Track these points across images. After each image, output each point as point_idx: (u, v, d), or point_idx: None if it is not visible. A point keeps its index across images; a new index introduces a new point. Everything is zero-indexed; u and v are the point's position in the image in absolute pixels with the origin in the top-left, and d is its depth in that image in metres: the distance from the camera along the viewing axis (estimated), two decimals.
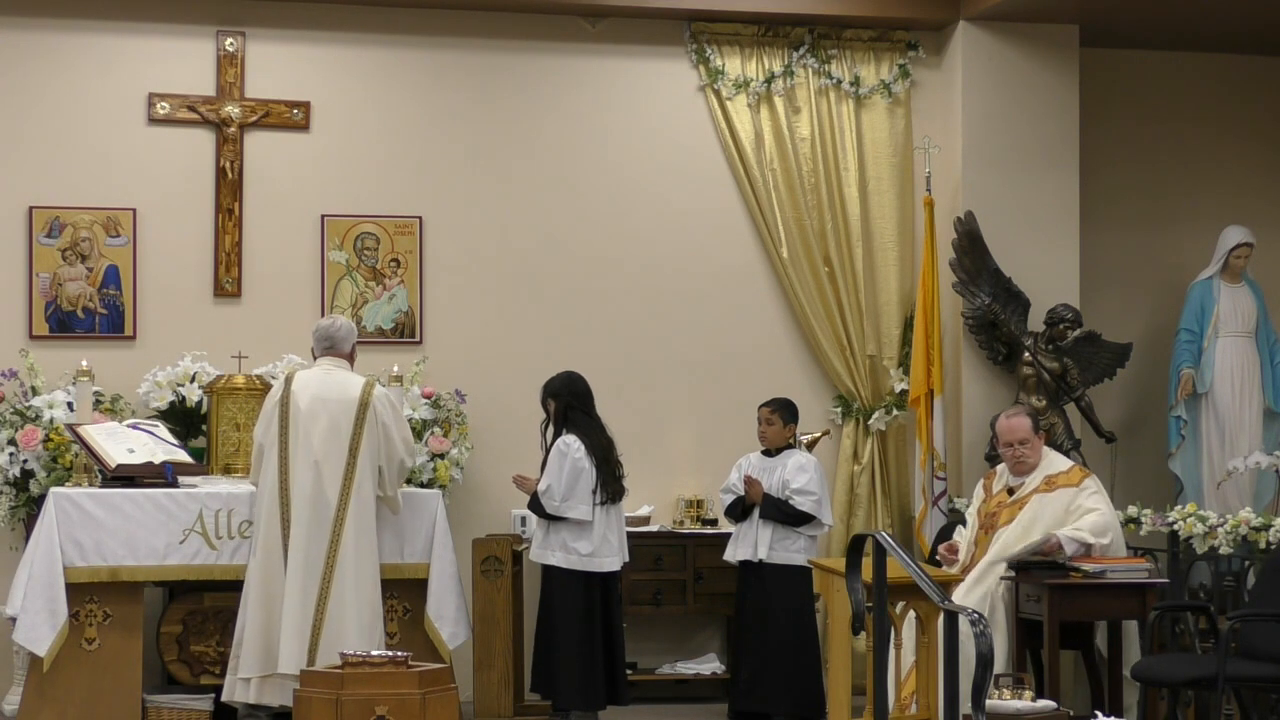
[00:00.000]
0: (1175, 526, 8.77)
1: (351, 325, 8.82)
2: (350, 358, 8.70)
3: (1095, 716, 6.82)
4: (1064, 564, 8.23)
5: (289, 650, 8.21)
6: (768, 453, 9.22)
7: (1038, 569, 8.26)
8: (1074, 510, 8.48)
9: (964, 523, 9.00)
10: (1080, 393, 9.98)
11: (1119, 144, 10.80)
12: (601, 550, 8.73)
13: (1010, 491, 8.69)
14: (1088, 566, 8.19)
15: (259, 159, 9.78)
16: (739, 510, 9.10)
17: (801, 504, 8.96)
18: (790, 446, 9.20)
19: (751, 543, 9.04)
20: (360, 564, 8.36)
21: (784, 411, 9.21)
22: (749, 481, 9.03)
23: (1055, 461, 8.75)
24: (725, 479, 9.28)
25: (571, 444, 8.75)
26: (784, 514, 8.96)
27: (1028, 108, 10.25)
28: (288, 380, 8.53)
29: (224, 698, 8.40)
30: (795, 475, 9.02)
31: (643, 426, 9.94)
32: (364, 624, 8.31)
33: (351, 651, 7.23)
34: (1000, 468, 8.89)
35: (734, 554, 9.14)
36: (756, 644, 9.02)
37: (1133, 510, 9.06)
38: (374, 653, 7.16)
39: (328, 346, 8.64)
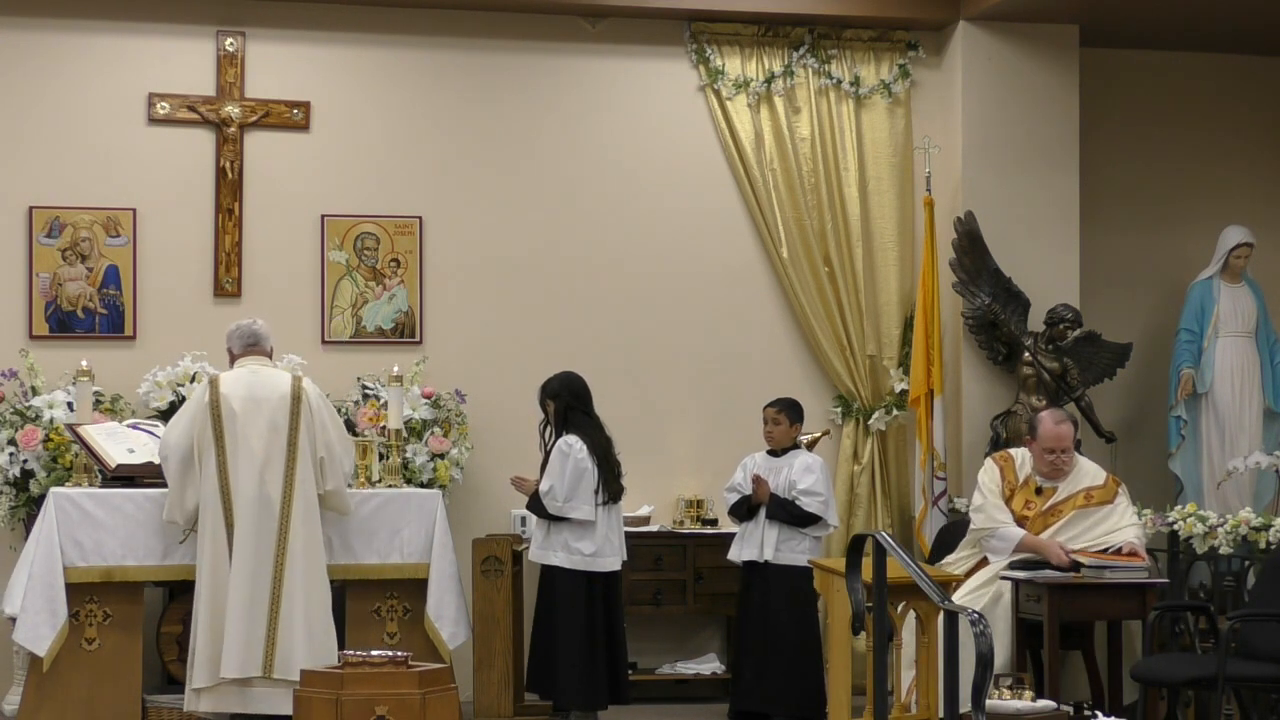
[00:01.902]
0: (1175, 526, 8.76)
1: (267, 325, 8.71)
2: (270, 355, 8.64)
3: (1095, 716, 6.82)
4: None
5: (233, 656, 8.10)
6: (773, 453, 9.20)
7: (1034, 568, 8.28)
8: (1114, 526, 8.47)
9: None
10: (1080, 393, 9.98)
11: (1119, 144, 10.79)
12: (604, 550, 8.73)
13: (1039, 491, 8.62)
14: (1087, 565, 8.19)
15: (259, 159, 9.78)
16: (744, 510, 9.08)
17: (808, 505, 8.94)
18: (796, 447, 9.19)
19: (757, 543, 9.01)
20: (309, 563, 8.27)
21: (790, 411, 9.19)
22: (756, 481, 9.01)
23: (1089, 470, 8.67)
24: (725, 479, 9.27)
25: (573, 444, 8.74)
26: (790, 514, 8.94)
27: (1028, 108, 10.25)
28: (213, 383, 8.38)
29: (185, 708, 8.29)
30: (802, 476, 9.00)
31: (643, 426, 9.93)
32: (314, 626, 8.21)
33: (354, 651, 7.23)
34: (1019, 454, 8.76)
35: (739, 554, 9.11)
36: (759, 644, 9.00)
37: None
38: (374, 652, 7.15)
39: (251, 344, 8.53)
